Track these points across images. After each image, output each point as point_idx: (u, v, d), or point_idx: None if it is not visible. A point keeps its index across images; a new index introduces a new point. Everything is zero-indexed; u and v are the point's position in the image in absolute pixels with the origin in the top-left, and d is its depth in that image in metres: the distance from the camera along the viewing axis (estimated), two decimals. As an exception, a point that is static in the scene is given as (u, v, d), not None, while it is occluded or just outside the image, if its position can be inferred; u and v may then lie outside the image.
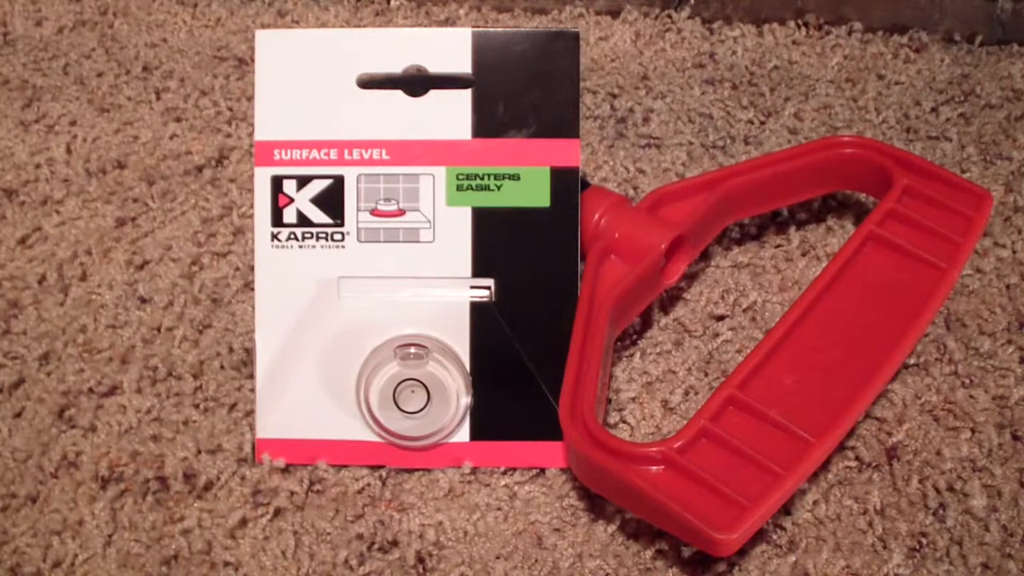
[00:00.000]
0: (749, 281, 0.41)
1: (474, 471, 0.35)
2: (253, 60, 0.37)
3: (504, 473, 0.35)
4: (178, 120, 0.49)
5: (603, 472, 0.31)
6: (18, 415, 0.37)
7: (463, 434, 0.35)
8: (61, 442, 0.36)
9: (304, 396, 0.35)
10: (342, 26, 0.55)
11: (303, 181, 0.36)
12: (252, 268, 0.39)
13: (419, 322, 0.36)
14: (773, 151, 0.46)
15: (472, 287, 0.36)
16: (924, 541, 0.33)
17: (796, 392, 0.33)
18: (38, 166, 0.47)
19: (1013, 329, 0.39)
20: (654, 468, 0.31)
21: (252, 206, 0.41)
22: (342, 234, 0.36)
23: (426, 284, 0.36)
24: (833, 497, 0.34)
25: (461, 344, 0.35)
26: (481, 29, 0.36)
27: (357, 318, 0.36)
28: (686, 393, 0.37)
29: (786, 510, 0.34)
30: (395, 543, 0.33)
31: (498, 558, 0.33)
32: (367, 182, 0.36)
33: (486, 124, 0.36)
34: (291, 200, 0.36)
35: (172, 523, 0.34)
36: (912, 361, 0.38)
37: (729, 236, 0.43)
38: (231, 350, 0.39)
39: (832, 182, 0.41)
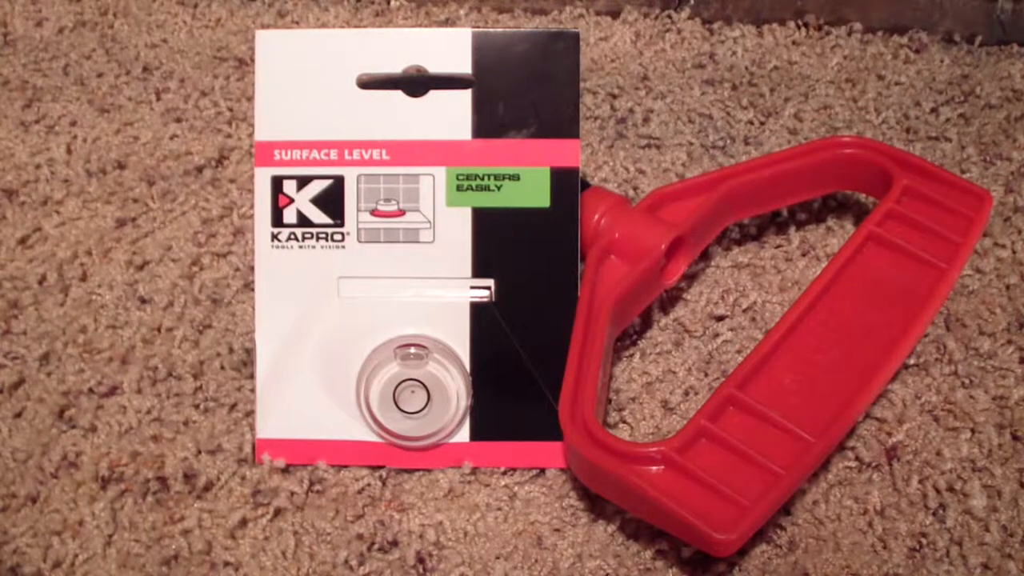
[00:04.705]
0: (749, 281, 0.41)
1: (474, 471, 0.35)
2: (253, 60, 0.37)
3: (504, 473, 0.35)
4: (178, 120, 0.49)
5: (603, 472, 0.31)
6: (18, 415, 0.37)
7: (463, 434, 0.35)
8: (61, 442, 0.36)
9: (304, 396, 0.35)
10: (342, 26, 0.55)
11: (303, 181, 0.36)
12: (252, 268, 0.39)
13: (419, 322, 0.36)
14: (773, 151, 0.46)
15: (472, 287, 0.36)
16: (924, 541, 0.33)
17: (796, 392, 0.33)
18: (38, 166, 0.47)
19: (1013, 329, 0.39)
20: (654, 468, 0.31)
21: (252, 206, 0.41)
22: (342, 234, 0.36)
23: (426, 284, 0.36)
24: (833, 497, 0.34)
25: (461, 344, 0.35)
26: (481, 29, 0.36)
27: (357, 318, 0.36)
28: (686, 393, 0.37)
29: (786, 510, 0.34)
30: (395, 543, 0.33)
31: (498, 558, 0.33)
32: (367, 182, 0.36)
33: (486, 124, 0.36)
34: (291, 200, 0.36)
35: (172, 523, 0.34)
36: (912, 361, 0.38)
37: (729, 236, 0.43)
38: (231, 350, 0.39)
39: (832, 182, 0.41)
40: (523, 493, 0.35)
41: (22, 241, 0.44)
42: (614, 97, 0.51)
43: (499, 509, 0.34)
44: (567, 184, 0.36)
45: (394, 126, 0.36)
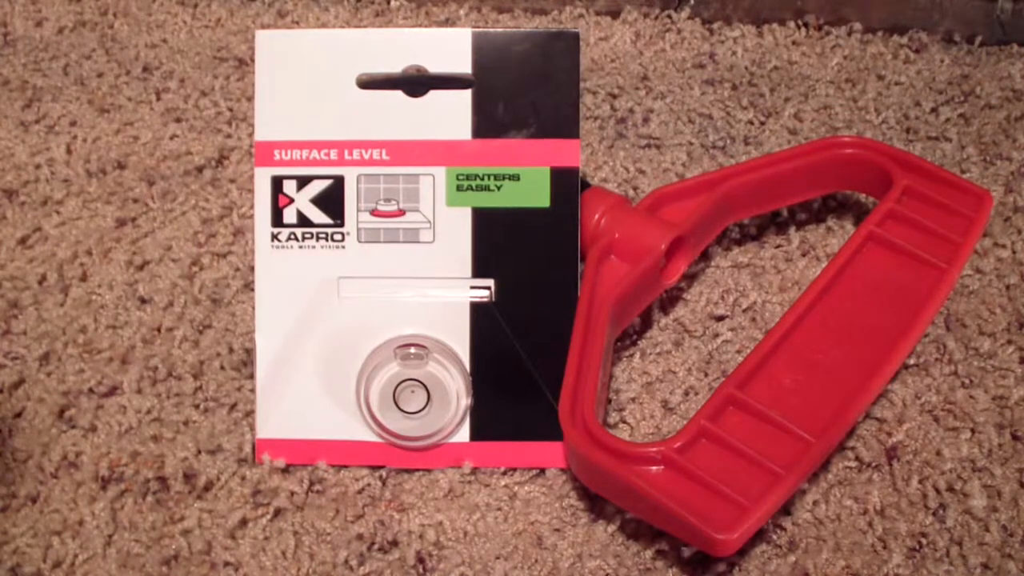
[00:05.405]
0: (749, 281, 0.41)
1: (474, 471, 0.35)
2: (253, 60, 0.37)
3: (504, 473, 0.35)
4: (178, 120, 0.49)
5: (603, 472, 0.31)
6: (18, 415, 0.37)
7: (463, 434, 0.35)
8: (61, 442, 0.36)
9: (304, 396, 0.35)
10: (342, 26, 0.55)
11: (303, 181, 0.36)
12: (252, 268, 0.39)
13: (419, 322, 0.36)
14: (773, 151, 0.46)
15: (472, 287, 0.36)
16: (924, 541, 0.33)
17: (796, 392, 0.33)
18: (38, 166, 0.47)
19: (1013, 329, 0.39)
20: (654, 468, 0.31)
21: (252, 206, 0.41)
22: (342, 234, 0.36)
23: (426, 284, 0.36)
24: (833, 497, 0.34)
25: (461, 344, 0.35)
26: (481, 29, 0.36)
27: (357, 318, 0.36)
28: (686, 393, 0.37)
29: (786, 510, 0.34)
30: (395, 543, 0.33)
31: (498, 558, 0.33)
32: (367, 182, 0.36)
33: (486, 124, 0.36)
34: (291, 200, 0.36)
35: (172, 523, 0.34)
36: (912, 361, 0.38)
37: (729, 236, 0.43)
38: (231, 350, 0.39)
39: (832, 182, 0.41)
40: (523, 493, 0.35)
41: (22, 241, 0.44)
42: (614, 97, 0.51)
43: (499, 509, 0.34)
44: (567, 184, 0.36)
45: (394, 126, 0.36)
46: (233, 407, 0.37)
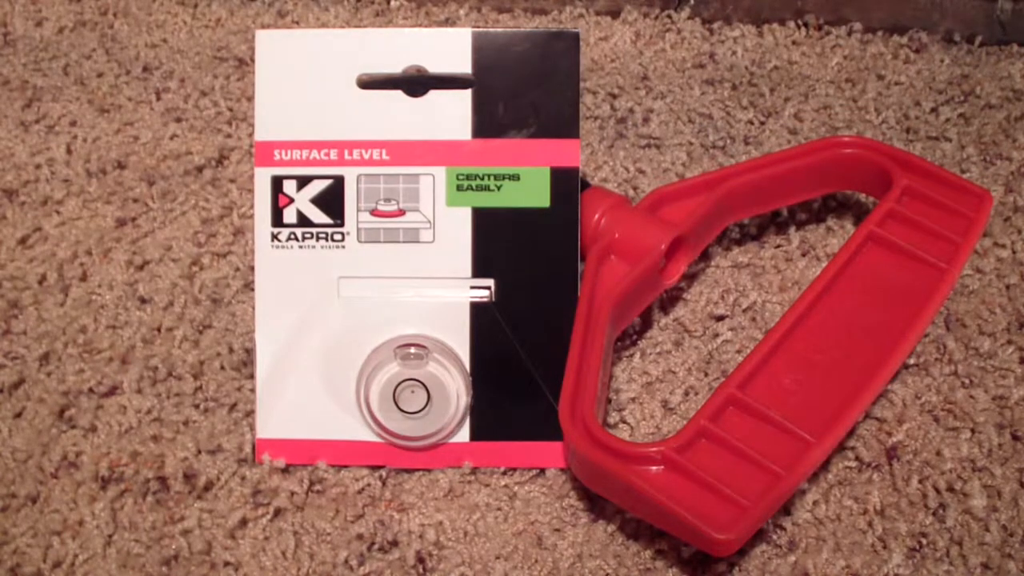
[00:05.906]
0: (749, 281, 0.41)
1: (474, 471, 0.35)
2: (253, 60, 0.37)
3: (504, 473, 0.35)
4: (178, 120, 0.49)
5: (603, 472, 0.31)
6: (18, 415, 0.37)
7: (463, 434, 0.35)
8: (61, 442, 0.36)
9: (304, 396, 0.35)
10: (342, 26, 0.55)
11: (303, 181, 0.36)
12: (252, 268, 0.39)
13: (419, 322, 0.36)
14: (773, 151, 0.46)
15: (472, 287, 0.36)
16: (924, 541, 0.33)
17: (796, 392, 0.33)
18: (38, 166, 0.47)
19: (1013, 329, 0.39)
20: (654, 468, 0.31)
21: (252, 206, 0.41)
22: (342, 234, 0.36)
23: (426, 284, 0.36)
24: (833, 497, 0.34)
25: (461, 344, 0.35)
26: (481, 29, 0.36)
27: (357, 318, 0.36)
28: (686, 393, 0.37)
29: (786, 510, 0.34)
30: (395, 543, 0.33)
31: (498, 558, 0.33)
32: (367, 182, 0.36)
33: (486, 124, 0.36)
34: (291, 200, 0.36)
35: (172, 523, 0.34)
36: (912, 361, 0.38)
37: (729, 236, 0.43)
38: (231, 350, 0.39)
39: (832, 182, 0.41)
40: (523, 493, 0.35)
41: (22, 241, 0.44)
42: (614, 97, 0.51)
43: (499, 509, 0.34)
44: (567, 184, 0.36)
45: (394, 126, 0.36)
46: (233, 407, 0.37)
